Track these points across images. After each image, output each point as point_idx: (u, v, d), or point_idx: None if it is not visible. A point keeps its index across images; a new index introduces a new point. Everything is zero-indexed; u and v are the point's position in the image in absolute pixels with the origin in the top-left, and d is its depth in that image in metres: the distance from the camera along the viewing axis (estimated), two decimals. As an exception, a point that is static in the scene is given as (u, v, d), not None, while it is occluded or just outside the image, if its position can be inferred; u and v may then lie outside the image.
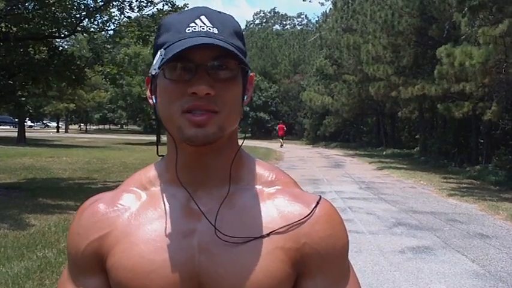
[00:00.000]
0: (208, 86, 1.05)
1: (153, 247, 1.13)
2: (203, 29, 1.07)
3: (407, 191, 16.36)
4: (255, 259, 1.11)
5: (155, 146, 1.29)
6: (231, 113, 1.10)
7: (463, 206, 13.43)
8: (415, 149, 35.07)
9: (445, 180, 19.60)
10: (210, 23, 1.08)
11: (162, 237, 1.14)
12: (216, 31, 1.07)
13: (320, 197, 1.20)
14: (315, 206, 1.16)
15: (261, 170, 1.23)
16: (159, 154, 1.27)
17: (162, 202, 1.18)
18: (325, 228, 1.15)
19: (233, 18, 1.15)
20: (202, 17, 1.09)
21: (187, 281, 1.11)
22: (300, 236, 1.14)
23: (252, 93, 1.20)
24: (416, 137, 37.66)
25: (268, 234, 1.12)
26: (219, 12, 1.13)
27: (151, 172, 1.24)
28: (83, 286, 1.20)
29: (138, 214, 1.18)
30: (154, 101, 1.13)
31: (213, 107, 1.06)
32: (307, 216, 1.14)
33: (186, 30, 1.08)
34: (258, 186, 1.20)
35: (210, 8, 1.14)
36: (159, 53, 1.09)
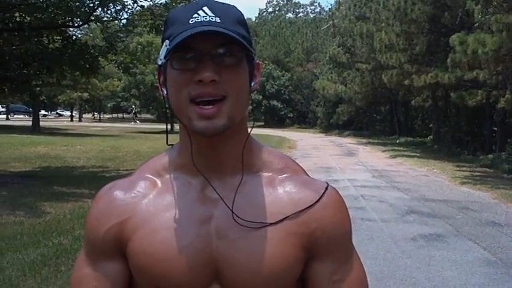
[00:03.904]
0: (213, 73, 1.09)
1: (172, 234, 1.17)
2: (206, 18, 1.11)
3: (420, 179, 16.36)
4: (270, 244, 1.16)
5: (171, 135, 1.33)
6: (239, 98, 1.13)
7: (475, 194, 13.42)
8: (428, 138, 34.97)
9: (458, 169, 19.56)
10: (212, 13, 1.12)
11: (180, 224, 1.18)
12: (218, 20, 1.11)
13: (328, 184, 1.25)
14: (324, 193, 1.22)
15: (271, 157, 1.27)
16: (169, 143, 1.30)
17: (178, 189, 1.22)
18: (333, 213, 1.21)
19: (236, 8, 1.19)
20: (205, 8, 1.13)
21: (205, 266, 1.16)
22: (311, 222, 1.19)
23: (259, 80, 1.23)
24: (430, 125, 37.52)
25: (281, 220, 1.17)
26: (222, 3, 1.17)
27: (165, 159, 1.27)
28: (102, 269, 1.23)
29: (155, 201, 1.22)
30: (165, 92, 1.18)
31: (220, 93, 1.10)
32: (316, 202, 1.20)
33: (190, 21, 1.11)
34: (268, 173, 1.24)
35: (213, 0, 1.18)
36: (164, 43, 1.14)
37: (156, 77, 1.23)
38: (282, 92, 64.34)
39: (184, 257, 1.16)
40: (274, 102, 63.66)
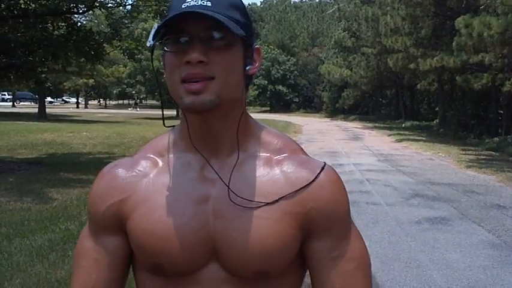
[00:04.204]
0: (201, 54, 1.12)
1: (170, 212, 1.21)
2: (197, 3, 1.14)
3: (426, 163, 16.37)
4: (266, 224, 1.19)
5: (174, 120, 1.36)
6: (228, 79, 1.16)
7: (481, 177, 13.44)
8: (434, 121, 34.93)
9: (463, 152, 19.57)
10: None
11: (179, 203, 1.22)
12: (209, 4, 1.13)
13: (324, 163, 1.27)
14: (320, 172, 1.24)
15: (269, 137, 1.29)
16: (166, 125, 1.34)
17: (178, 169, 1.25)
18: (330, 193, 1.23)
19: None
20: None
21: (203, 245, 1.20)
22: (307, 201, 1.22)
23: (259, 65, 1.26)
24: (435, 109, 37.45)
25: (277, 200, 1.20)
26: None
27: (167, 139, 1.31)
28: (102, 243, 1.29)
29: (155, 180, 1.26)
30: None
31: (208, 74, 1.13)
32: (312, 181, 1.22)
33: (182, 6, 1.14)
34: (266, 154, 1.26)
35: None
36: (153, 26, 1.17)
37: (162, 62, 1.26)
38: (288, 76, 64.25)
39: (181, 235, 1.19)
40: (280, 87, 63.61)
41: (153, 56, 1.22)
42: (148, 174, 1.27)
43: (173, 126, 1.34)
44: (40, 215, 8.30)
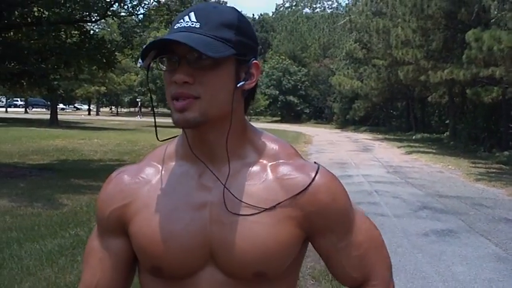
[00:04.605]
0: (186, 75, 1.18)
1: (169, 218, 1.29)
2: (187, 24, 1.20)
3: (435, 176, 16.35)
4: (264, 228, 1.25)
5: (170, 132, 1.43)
6: (213, 98, 1.21)
7: (490, 190, 13.42)
8: (445, 134, 34.83)
9: (473, 165, 19.51)
10: (196, 18, 1.21)
11: (178, 209, 1.29)
12: (197, 26, 1.20)
13: (318, 167, 1.32)
14: (315, 176, 1.29)
15: (265, 143, 1.35)
16: (160, 139, 1.40)
17: (178, 177, 1.33)
18: (326, 195, 1.29)
19: (230, 11, 1.26)
20: (191, 14, 1.22)
21: (200, 249, 1.27)
22: (305, 206, 1.28)
23: (257, 79, 1.30)
24: (446, 121, 37.37)
25: (274, 206, 1.26)
26: (215, 7, 1.25)
27: (170, 148, 1.38)
28: (107, 244, 1.38)
29: (156, 187, 1.33)
30: None
31: (192, 94, 1.19)
32: (308, 186, 1.28)
33: (175, 27, 1.22)
34: (262, 160, 1.32)
35: (207, 4, 1.26)
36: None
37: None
38: (299, 87, 64.32)
39: (179, 240, 1.27)
40: (291, 98, 63.66)
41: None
42: (151, 181, 1.34)
43: (168, 138, 1.41)
44: (50, 221, 8.37)
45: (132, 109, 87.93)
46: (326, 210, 1.29)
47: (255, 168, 1.31)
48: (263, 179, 1.30)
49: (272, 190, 1.28)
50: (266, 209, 1.26)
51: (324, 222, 1.30)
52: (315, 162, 1.35)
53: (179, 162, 1.34)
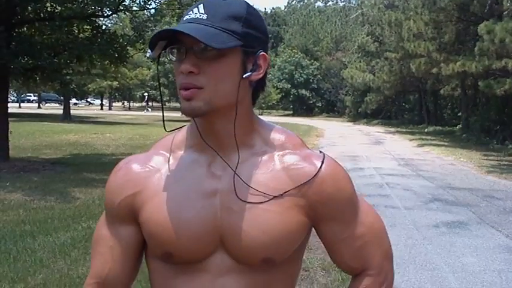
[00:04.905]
0: (191, 65, 1.22)
1: (180, 205, 1.32)
2: (195, 16, 1.25)
3: (446, 168, 16.33)
4: (272, 215, 1.29)
5: (179, 123, 1.47)
6: (217, 88, 1.25)
7: (501, 182, 13.39)
8: (457, 127, 34.70)
9: (485, 158, 19.46)
10: (204, 10, 1.25)
11: (188, 197, 1.32)
12: (205, 17, 1.24)
13: (323, 156, 1.36)
14: (320, 166, 1.33)
15: (272, 134, 1.39)
16: (167, 130, 1.43)
17: (187, 165, 1.36)
18: (331, 185, 1.33)
19: (239, 3, 1.29)
20: (200, 6, 1.26)
21: (210, 234, 1.31)
22: (310, 195, 1.32)
23: (264, 70, 1.32)
24: (458, 114, 37.21)
25: (282, 195, 1.30)
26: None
27: (177, 138, 1.42)
28: (117, 232, 1.41)
29: (166, 175, 1.36)
30: None
31: (197, 84, 1.23)
32: (314, 176, 1.32)
33: (184, 18, 1.27)
34: (270, 150, 1.36)
35: None
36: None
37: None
38: (311, 80, 64.12)
39: (190, 226, 1.30)
40: (303, 91, 63.49)
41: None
42: (160, 169, 1.37)
43: (174, 129, 1.44)
44: (63, 214, 8.47)
45: (144, 103, 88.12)
46: (330, 199, 1.33)
47: (263, 157, 1.35)
48: (271, 168, 1.33)
49: (279, 179, 1.32)
50: (274, 197, 1.29)
51: (328, 211, 1.34)
52: (320, 151, 1.39)
53: (188, 151, 1.37)
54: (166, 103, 75.94)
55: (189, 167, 1.35)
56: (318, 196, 1.32)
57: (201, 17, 1.24)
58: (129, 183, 1.38)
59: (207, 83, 1.23)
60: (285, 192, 1.30)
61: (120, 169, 1.42)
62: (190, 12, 1.26)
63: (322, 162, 1.34)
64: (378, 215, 1.46)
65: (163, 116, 1.44)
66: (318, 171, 1.32)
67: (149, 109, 70.68)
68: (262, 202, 1.29)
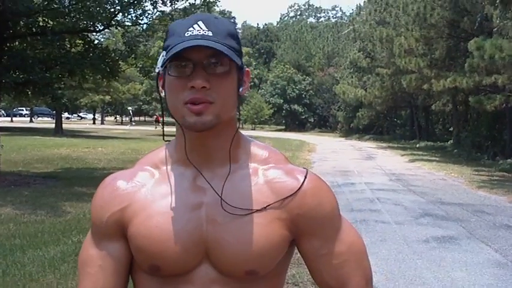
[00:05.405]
0: (204, 80, 1.25)
1: (166, 218, 1.34)
2: (199, 32, 1.27)
3: (437, 183, 16.37)
4: (256, 228, 1.32)
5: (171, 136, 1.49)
6: (226, 103, 1.29)
7: (492, 198, 13.45)
8: (448, 142, 34.83)
9: (476, 173, 19.52)
10: (206, 27, 1.28)
11: (174, 210, 1.34)
12: (210, 34, 1.26)
13: (306, 171, 1.39)
14: (303, 182, 1.36)
15: (256, 149, 1.42)
16: (165, 140, 1.47)
17: (173, 180, 1.38)
18: (313, 199, 1.36)
19: (228, 22, 1.35)
20: (200, 23, 1.29)
21: (196, 247, 1.33)
22: (292, 208, 1.34)
23: (248, 86, 1.39)
24: (450, 129, 37.38)
25: (265, 208, 1.33)
26: (216, 17, 1.33)
27: (162, 153, 1.44)
28: (106, 249, 1.40)
29: (152, 190, 1.38)
30: (164, 94, 1.35)
31: (209, 99, 1.26)
32: (297, 190, 1.34)
33: (185, 34, 1.27)
34: (253, 164, 1.39)
35: (208, 14, 1.35)
36: (161, 54, 1.31)
37: (159, 81, 1.38)
38: (303, 96, 64.41)
39: (176, 239, 1.32)
40: (295, 106, 63.75)
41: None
42: (146, 184, 1.39)
43: (169, 141, 1.46)
44: (53, 228, 8.45)
45: (136, 118, 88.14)
46: (311, 214, 1.35)
47: (248, 171, 1.37)
48: (255, 181, 1.36)
49: (263, 192, 1.34)
50: (258, 210, 1.32)
51: (308, 225, 1.35)
52: (304, 168, 1.41)
53: (173, 165, 1.40)
54: (137, 118, 76.28)
55: (175, 181, 1.37)
56: (299, 210, 1.34)
57: (206, 33, 1.27)
58: (116, 199, 1.39)
59: (217, 98, 1.27)
60: (268, 206, 1.32)
61: (106, 185, 1.43)
62: (191, 28, 1.28)
63: (305, 177, 1.36)
64: (359, 236, 1.47)
65: (163, 127, 1.48)
66: (300, 186, 1.34)
67: (133, 123, 70.84)
68: (246, 214, 1.31)
